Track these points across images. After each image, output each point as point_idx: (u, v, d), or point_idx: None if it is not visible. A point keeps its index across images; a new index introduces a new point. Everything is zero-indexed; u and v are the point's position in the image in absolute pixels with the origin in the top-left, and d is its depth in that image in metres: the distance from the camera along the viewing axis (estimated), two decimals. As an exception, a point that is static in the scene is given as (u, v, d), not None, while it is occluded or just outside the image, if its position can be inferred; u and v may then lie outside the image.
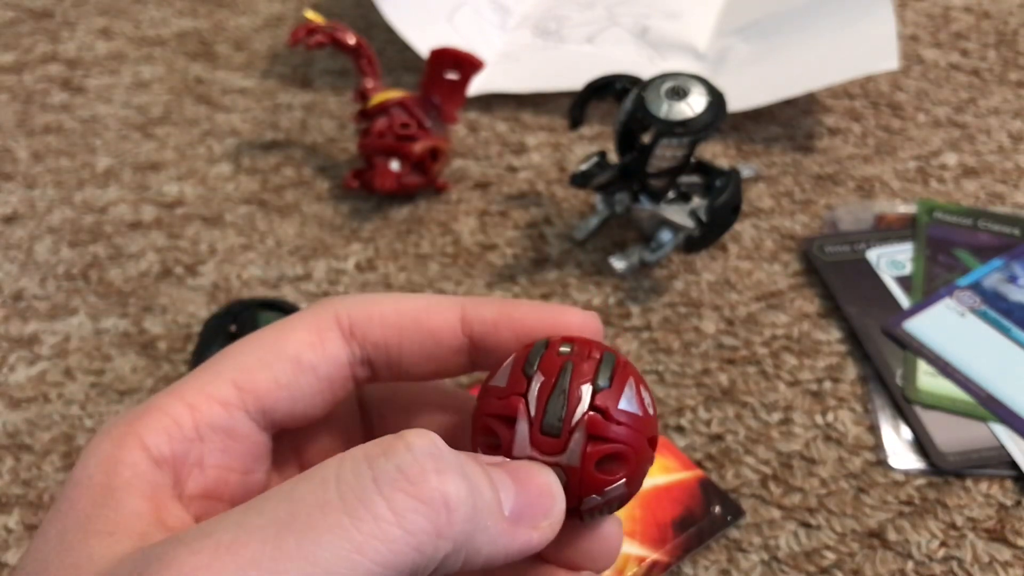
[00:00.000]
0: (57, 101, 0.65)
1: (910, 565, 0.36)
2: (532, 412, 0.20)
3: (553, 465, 0.20)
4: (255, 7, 0.76)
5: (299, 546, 0.16)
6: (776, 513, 0.38)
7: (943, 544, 0.37)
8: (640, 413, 0.20)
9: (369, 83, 0.54)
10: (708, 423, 0.42)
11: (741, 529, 0.37)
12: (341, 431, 0.24)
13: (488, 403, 0.21)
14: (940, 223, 0.51)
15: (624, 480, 0.20)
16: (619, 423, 0.20)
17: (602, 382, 0.20)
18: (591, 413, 0.20)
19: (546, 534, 0.19)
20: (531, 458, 0.20)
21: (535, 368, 0.20)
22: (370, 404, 0.25)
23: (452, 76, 0.53)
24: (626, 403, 0.20)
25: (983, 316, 0.45)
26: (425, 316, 0.22)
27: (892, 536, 0.37)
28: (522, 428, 0.20)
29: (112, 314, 0.48)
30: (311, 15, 0.54)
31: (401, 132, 0.52)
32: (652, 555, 0.36)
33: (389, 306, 0.22)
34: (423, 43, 0.62)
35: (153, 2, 0.77)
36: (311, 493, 0.17)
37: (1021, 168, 0.56)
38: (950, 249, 0.49)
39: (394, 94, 0.53)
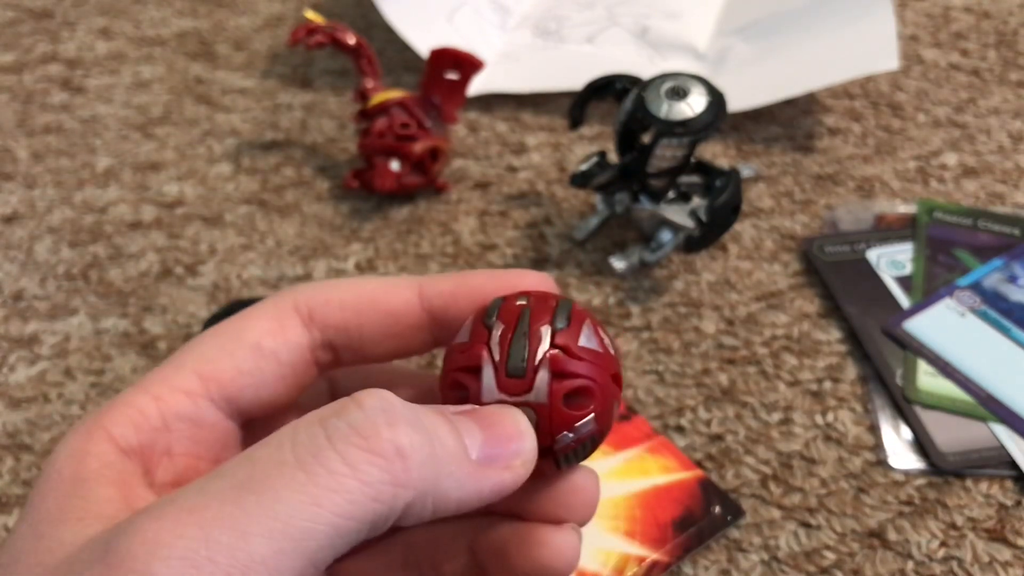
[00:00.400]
0: (57, 101, 0.65)
1: (910, 565, 0.36)
2: (496, 357, 0.21)
3: (522, 405, 0.20)
4: (255, 7, 0.76)
5: (259, 503, 0.17)
6: (776, 513, 0.38)
7: (943, 544, 0.37)
8: (600, 350, 0.21)
9: (369, 83, 0.54)
10: (708, 423, 0.42)
11: (741, 529, 0.37)
12: None
13: (453, 359, 0.21)
14: (940, 223, 0.51)
15: (593, 415, 0.21)
16: (581, 359, 0.21)
17: (560, 323, 0.21)
18: (553, 351, 0.20)
19: (519, 472, 0.20)
20: (500, 401, 0.20)
21: (494, 318, 0.21)
22: (341, 391, 0.26)
23: (452, 76, 0.53)
24: (585, 340, 0.21)
25: (983, 316, 0.45)
26: (383, 296, 0.23)
27: (892, 536, 0.37)
28: (488, 374, 0.21)
29: (112, 314, 0.48)
30: (311, 15, 0.54)
31: (401, 132, 0.52)
32: (652, 555, 0.36)
33: (346, 290, 0.23)
34: (423, 43, 0.62)
35: (153, 2, 0.77)
36: (268, 455, 0.17)
37: (1021, 168, 0.56)
38: (950, 249, 0.49)
39: (394, 94, 0.53)
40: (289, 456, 0.17)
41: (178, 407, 0.21)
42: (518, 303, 0.21)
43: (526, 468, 0.20)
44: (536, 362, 0.20)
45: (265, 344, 0.22)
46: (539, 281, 0.23)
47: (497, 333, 0.21)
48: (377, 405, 0.18)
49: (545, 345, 0.20)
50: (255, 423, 0.23)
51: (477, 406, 0.20)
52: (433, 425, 0.19)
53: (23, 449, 0.42)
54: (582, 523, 0.22)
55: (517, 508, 0.22)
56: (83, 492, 0.19)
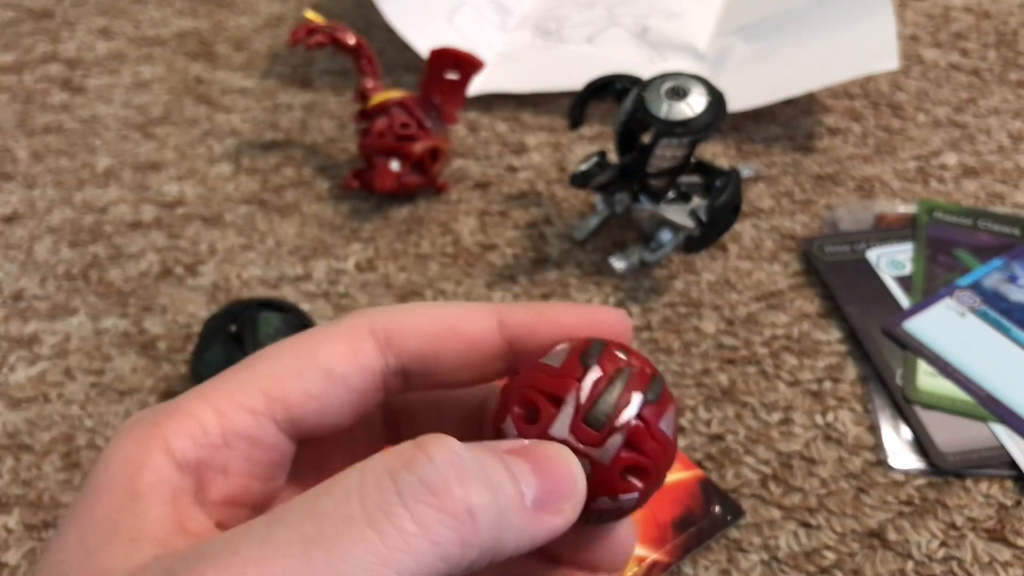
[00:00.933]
0: (57, 101, 0.65)
1: (910, 565, 0.36)
2: (582, 400, 0.20)
3: (582, 456, 0.20)
4: (255, 7, 0.76)
5: (327, 561, 0.16)
6: (776, 513, 0.38)
7: (943, 544, 0.37)
8: (672, 439, 0.21)
9: (369, 83, 0.54)
10: (708, 423, 0.42)
11: (741, 529, 0.37)
12: (363, 435, 0.24)
13: (537, 378, 0.21)
14: (940, 223, 0.51)
15: (638, 494, 0.21)
16: (655, 439, 0.20)
17: (651, 396, 0.20)
18: (636, 421, 0.20)
19: (568, 516, 0.19)
20: (565, 442, 0.20)
21: (594, 361, 0.21)
22: (392, 406, 0.25)
23: (452, 76, 0.53)
24: (665, 424, 0.21)
25: (983, 316, 0.45)
26: (462, 324, 0.22)
27: (892, 536, 0.37)
28: (567, 411, 0.20)
29: (112, 314, 0.48)
30: (311, 15, 0.54)
31: (401, 132, 0.52)
32: (652, 555, 0.36)
33: (424, 316, 0.22)
34: (423, 43, 0.62)
35: (153, 2, 0.77)
36: (335, 507, 0.17)
37: (1021, 168, 0.56)
38: (950, 249, 0.49)
39: (394, 94, 0.53)
40: (358, 510, 0.17)
41: (242, 425, 0.21)
42: (619, 355, 0.21)
43: (575, 512, 0.20)
44: (617, 424, 0.20)
45: (337, 368, 0.21)
46: (617, 319, 0.23)
47: (592, 376, 0.20)
48: (447, 459, 0.18)
49: (632, 412, 0.20)
50: (308, 441, 0.23)
51: (529, 443, 0.20)
52: (496, 475, 0.18)
53: (23, 449, 0.42)
54: (615, 573, 0.22)
55: (556, 550, 0.22)
56: (137, 509, 0.19)
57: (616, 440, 0.20)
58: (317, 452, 0.24)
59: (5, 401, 0.44)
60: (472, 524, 0.17)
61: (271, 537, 0.17)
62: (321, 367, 0.21)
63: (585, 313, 0.22)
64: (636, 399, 0.20)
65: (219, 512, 0.20)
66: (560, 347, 0.21)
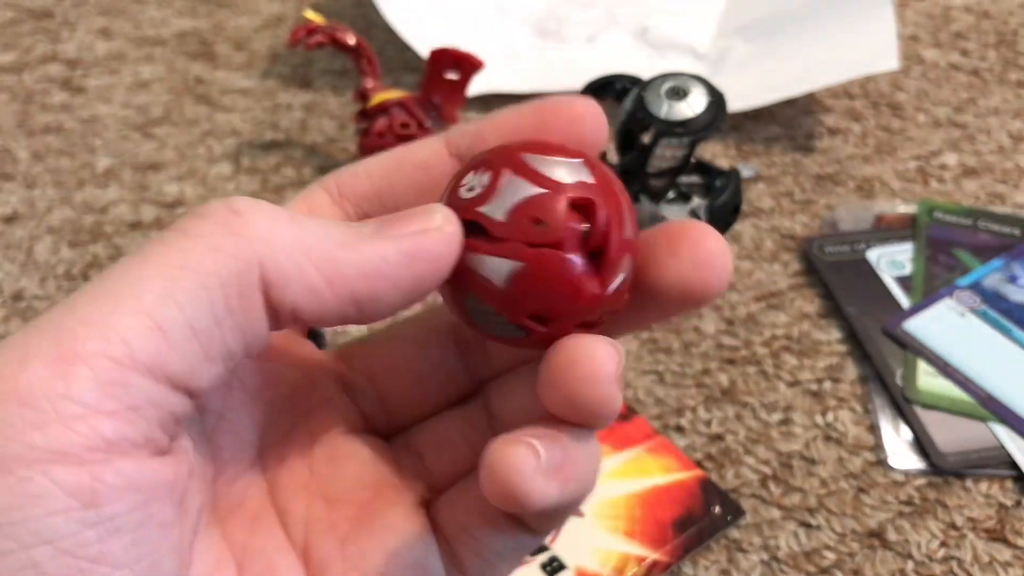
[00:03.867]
0: (57, 101, 0.65)
1: (910, 565, 0.36)
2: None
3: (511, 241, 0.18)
4: (255, 7, 0.76)
5: (118, 282, 0.17)
6: (776, 513, 0.38)
7: (943, 544, 0.37)
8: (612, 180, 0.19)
9: (369, 83, 0.54)
10: (708, 423, 0.42)
11: (741, 529, 0.37)
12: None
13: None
14: (940, 223, 0.51)
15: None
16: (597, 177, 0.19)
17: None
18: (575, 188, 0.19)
19: (442, 234, 0.18)
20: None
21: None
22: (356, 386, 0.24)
23: (452, 76, 0.53)
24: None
25: (983, 316, 0.45)
26: (408, 153, 0.22)
27: (892, 536, 0.37)
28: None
29: (112, 314, 0.48)
30: (311, 15, 0.54)
31: (401, 132, 0.52)
32: (652, 555, 0.36)
33: (373, 160, 0.22)
34: (423, 43, 0.62)
35: (153, 2, 0.77)
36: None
37: (1021, 168, 0.56)
38: (950, 249, 0.49)
39: (394, 94, 0.54)
40: (137, 252, 0.17)
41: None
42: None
43: (446, 231, 0.18)
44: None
45: None
46: (572, 114, 0.20)
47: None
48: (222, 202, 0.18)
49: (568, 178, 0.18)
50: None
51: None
52: (313, 220, 0.18)
53: (23, 449, 0.41)
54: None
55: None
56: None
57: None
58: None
59: (5, 401, 0.44)
60: (237, 218, 0.17)
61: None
62: None
63: (532, 110, 0.20)
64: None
65: None
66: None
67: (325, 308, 0.18)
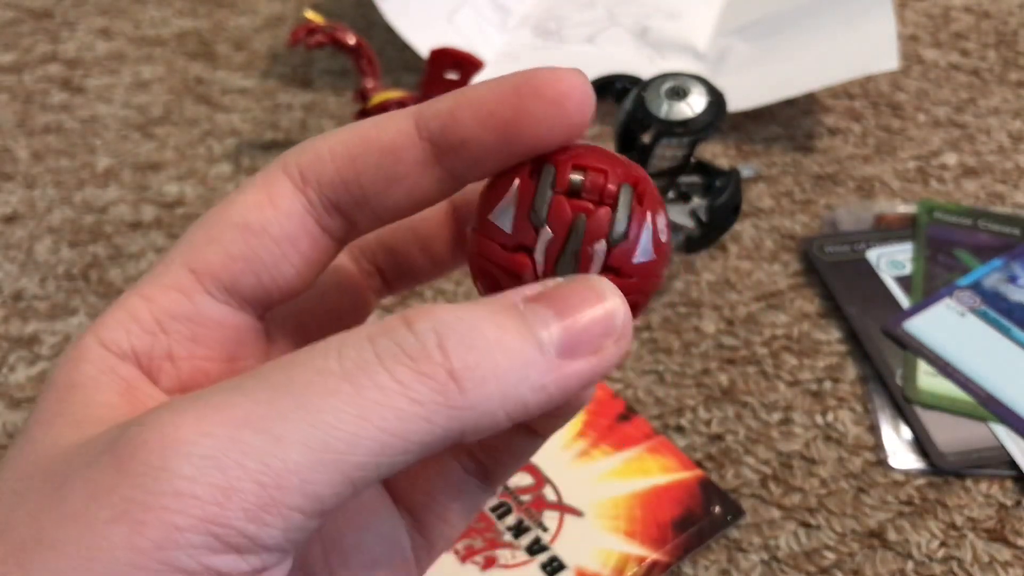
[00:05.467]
0: (57, 101, 0.65)
1: (910, 565, 0.36)
2: (540, 273, 0.19)
3: None
4: (255, 7, 0.76)
5: (297, 408, 0.15)
6: (776, 513, 0.38)
7: (943, 544, 0.37)
8: (654, 258, 0.19)
9: (369, 83, 0.54)
10: (708, 423, 0.42)
11: (741, 529, 0.37)
12: (353, 317, 0.23)
13: (490, 248, 0.19)
14: (940, 223, 0.51)
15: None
16: (632, 276, 0.19)
17: (617, 234, 0.18)
18: (607, 273, 0.18)
19: (611, 354, 0.17)
20: None
21: (543, 218, 0.18)
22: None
23: (452, 76, 0.53)
24: (642, 253, 0.19)
25: (983, 316, 0.45)
26: (375, 132, 0.19)
27: (892, 536, 0.37)
28: (528, 281, 0.19)
29: (112, 314, 0.48)
30: (311, 15, 0.54)
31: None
32: (652, 555, 0.36)
33: (335, 137, 0.20)
34: (423, 43, 0.62)
35: (153, 2, 0.77)
36: (309, 361, 0.16)
37: (1021, 168, 0.56)
38: (950, 249, 0.49)
39: (394, 94, 0.54)
40: (334, 365, 0.16)
41: (171, 306, 0.19)
42: (572, 185, 0.18)
43: (619, 348, 0.17)
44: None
45: (252, 220, 0.19)
46: (553, 90, 0.19)
47: (544, 241, 0.18)
48: (427, 327, 0.16)
49: (597, 267, 0.18)
50: (284, 319, 0.21)
51: (553, 283, 0.18)
52: (495, 334, 0.16)
53: (23, 449, 0.42)
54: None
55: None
56: (78, 398, 0.18)
57: None
58: (302, 334, 0.22)
59: (5, 401, 0.44)
60: (456, 386, 0.16)
61: (239, 386, 0.16)
62: (235, 224, 0.19)
63: (510, 87, 0.19)
64: (599, 251, 0.18)
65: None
66: (509, 192, 0.19)
67: None
